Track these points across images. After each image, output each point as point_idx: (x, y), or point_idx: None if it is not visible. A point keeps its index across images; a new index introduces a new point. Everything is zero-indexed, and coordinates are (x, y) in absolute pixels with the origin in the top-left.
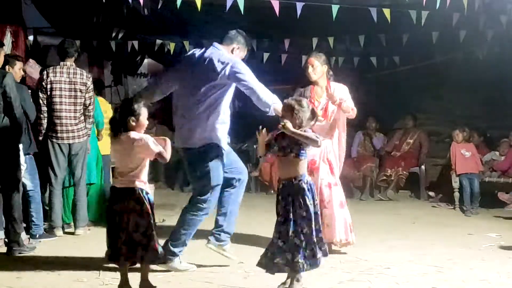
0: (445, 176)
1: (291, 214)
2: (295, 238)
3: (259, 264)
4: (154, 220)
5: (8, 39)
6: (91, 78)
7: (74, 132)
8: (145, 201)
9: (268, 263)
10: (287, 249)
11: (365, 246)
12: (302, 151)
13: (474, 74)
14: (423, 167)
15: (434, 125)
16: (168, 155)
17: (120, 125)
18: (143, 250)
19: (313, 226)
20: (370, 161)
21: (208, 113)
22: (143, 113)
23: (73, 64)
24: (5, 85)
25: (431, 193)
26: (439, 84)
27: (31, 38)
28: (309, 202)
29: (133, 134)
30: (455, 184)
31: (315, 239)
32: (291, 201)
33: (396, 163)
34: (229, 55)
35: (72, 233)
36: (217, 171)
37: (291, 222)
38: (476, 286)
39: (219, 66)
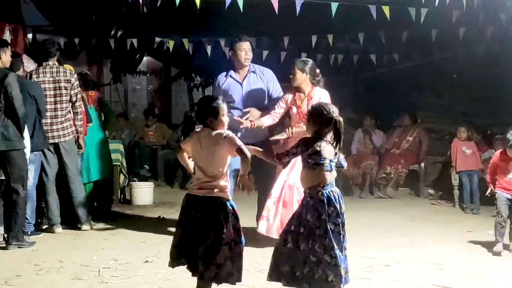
0: (445, 174)
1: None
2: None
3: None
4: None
5: (7, 37)
6: (75, 74)
7: (59, 131)
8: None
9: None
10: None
11: (364, 244)
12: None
13: (474, 71)
14: (422, 164)
15: (434, 123)
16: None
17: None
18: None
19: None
20: (369, 159)
21: None
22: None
23: (56, 63)
24: (6, 84)
25: (431, 191)
26: (438, 82)
27: (30, 36)
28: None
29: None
30: (455, 181)
31: None
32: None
33: (395, 160)
34: None
35: (72, 229)
36: None
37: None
38: (475, 283)
39: None
